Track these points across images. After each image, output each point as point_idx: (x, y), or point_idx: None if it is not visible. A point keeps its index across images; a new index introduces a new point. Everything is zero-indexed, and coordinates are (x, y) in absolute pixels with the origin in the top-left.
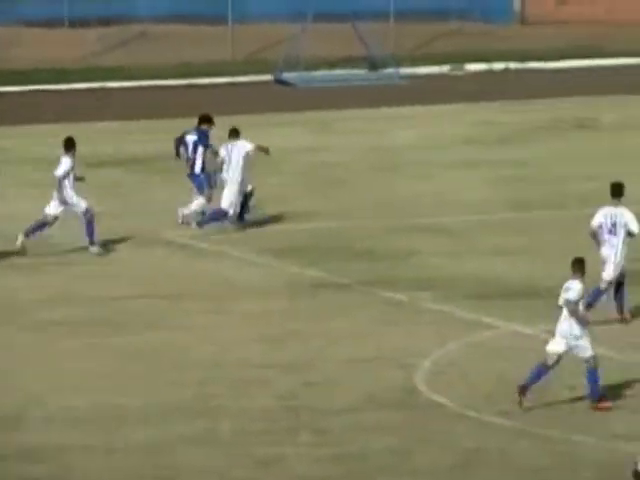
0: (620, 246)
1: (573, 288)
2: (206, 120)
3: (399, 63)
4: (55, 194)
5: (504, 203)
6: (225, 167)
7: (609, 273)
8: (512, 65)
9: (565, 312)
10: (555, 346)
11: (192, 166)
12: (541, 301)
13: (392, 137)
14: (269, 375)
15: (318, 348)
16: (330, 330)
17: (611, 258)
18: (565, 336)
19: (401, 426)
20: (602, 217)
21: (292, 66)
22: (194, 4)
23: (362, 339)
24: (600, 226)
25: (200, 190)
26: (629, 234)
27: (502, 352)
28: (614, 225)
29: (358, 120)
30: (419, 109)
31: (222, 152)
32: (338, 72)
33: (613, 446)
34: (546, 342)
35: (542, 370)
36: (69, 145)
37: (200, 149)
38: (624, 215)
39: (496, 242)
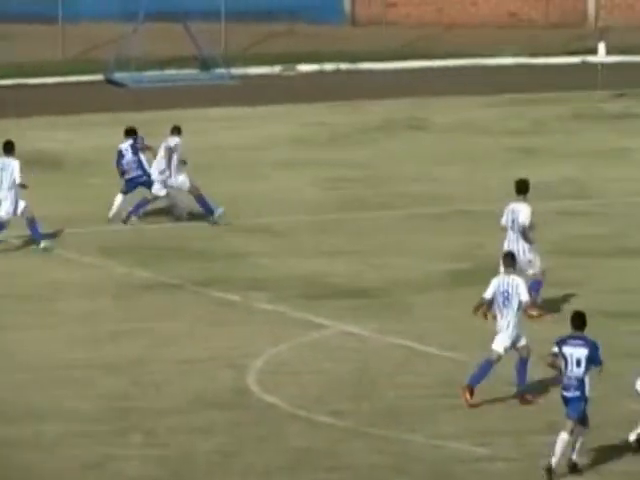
0: (520, 241)
1: (522, 289)
2: (132, 132)
3: (230, 63)
4: (11, 197)
5: (333, 203)
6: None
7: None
8: (343, 66)
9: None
10: (499, 344)
11: (137, 167)
12: (369, 300)
13: (223, 137)
14: (97, 376)
15: (147, 348)
16: (160, 330)
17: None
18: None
19: (232, 427)
20: (506, 214)
21: (123, 66)
22: (24, 3)
23: (193, 339)
24: (506, 223)
25: (149, 185)
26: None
27: (333, 352)
28: (513, 221)
29: (189, 120)
30: (250, 109)
31: (161, 152)
32: (170, 72)
33: (441, 444)
34: (375, 341)
35: (522, 364)
36: (12, 147)
37: (136, 151)
38: (520, 211)
39: (325, 242)
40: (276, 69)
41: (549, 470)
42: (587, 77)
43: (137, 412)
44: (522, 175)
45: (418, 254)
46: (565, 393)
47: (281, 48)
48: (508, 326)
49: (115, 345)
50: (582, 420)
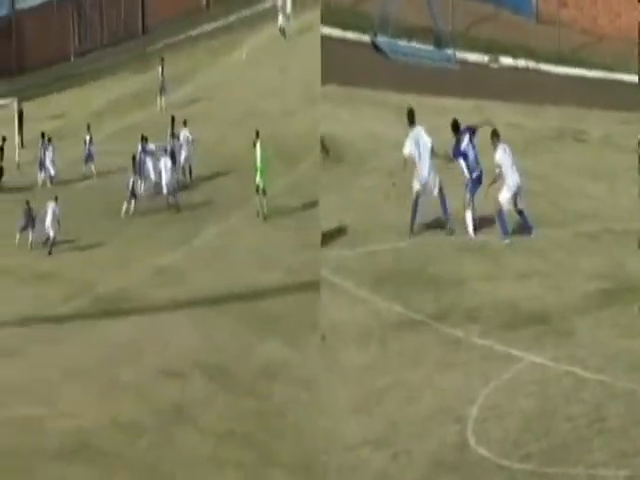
0: None
1: None
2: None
3: (456, 44)
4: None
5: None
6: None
7: None
8: (531, 64)
9: None
10: None
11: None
12: (547, 326)
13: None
14: (365, 453)
15: (398, 404)
16: (407, 381)
17: None
18: None
19: None
20: None
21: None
22: None
23: (430, 388)
24: None
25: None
26: None
27: (525, 387)
28: None
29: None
30: (463, 102)
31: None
32: (416, 45)
33: (594, 472)
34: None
35: None
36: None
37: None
38: None
39: (517, 263)
40: (485, 58)
41: None
42: None
43: None
44: None
45: (576, 274)
46: None
47: (488, 34)
48: None
49: (379, 409)
50: None
